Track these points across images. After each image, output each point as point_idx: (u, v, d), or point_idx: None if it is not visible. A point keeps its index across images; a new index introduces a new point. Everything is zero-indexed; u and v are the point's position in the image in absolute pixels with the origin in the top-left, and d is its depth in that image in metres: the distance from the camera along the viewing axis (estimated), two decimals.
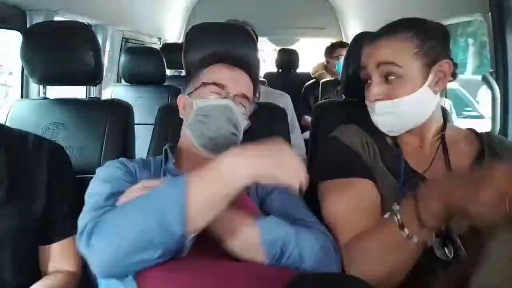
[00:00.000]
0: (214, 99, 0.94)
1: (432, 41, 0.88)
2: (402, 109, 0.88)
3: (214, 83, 0.95)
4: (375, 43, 0.91)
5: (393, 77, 0.87)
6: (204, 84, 0.95)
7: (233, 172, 0.64)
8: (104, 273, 0.71)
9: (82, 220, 0.75)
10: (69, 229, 0.92)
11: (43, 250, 0.92)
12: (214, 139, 0.92)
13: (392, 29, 0.91)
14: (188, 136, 0.96)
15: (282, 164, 0.65)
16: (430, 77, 0.87)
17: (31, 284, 0.84)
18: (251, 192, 0.91)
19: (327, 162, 0.96)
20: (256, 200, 0.90)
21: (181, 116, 1.01)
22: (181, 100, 1.02)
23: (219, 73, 0.97)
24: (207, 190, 0.64)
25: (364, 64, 0.93)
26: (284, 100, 1.99)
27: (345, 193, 0.87)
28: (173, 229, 0.63)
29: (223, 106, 0.93)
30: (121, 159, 0.93)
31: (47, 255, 0.92)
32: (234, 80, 0.96)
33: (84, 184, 0.85)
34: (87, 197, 0.82)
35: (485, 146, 0.92)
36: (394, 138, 0.94)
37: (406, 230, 0.71)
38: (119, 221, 0.68)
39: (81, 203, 0.90)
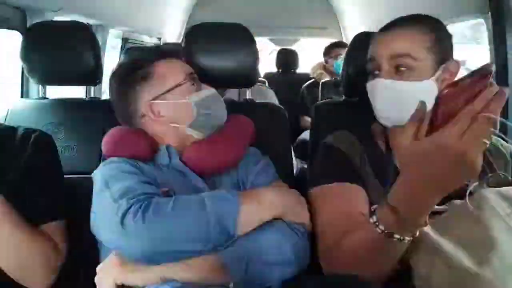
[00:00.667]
0: (206, 90, 0.99)
1: (445, 39, 0.88)
2: (404, 92, 0.85)
3: (186, 77, 0.97)
4: (390, 33, 0.88)
5: (404, 69, 0.85)
6: (180, 84, 0.96)
7: (270, 206, 0.83)
8: (146, 252, 0.76)
9: (119, 200, 0.78)
10: (39, 216, 0.87)
11: None
12: (218, 121, 1.00)
13: (409, 21, 0.89)
14: (179, 132, 0.96)
15: (300, 207, 0.87)
16: (437, 73, 0.85)
17: None
18: (231, 176, 0.97)
19: (319, 169, 0.95)
20: (235, 180, 0.97)
21: (154, 121, 0.96)
22: (148, 107, 0.96)
23: (180, 69, 0.99)
24: (251, 211, 0.81)
25: (375, 55, 0.90)
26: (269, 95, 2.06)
27: (335, 199, 0.87)
28: (230, 230, 0.78)
29: (216, 95, 1.01)
30: (122, 158, 0.91)
31: None
32: (183, 68, 1.00)
33: (83, 184, 0.85)
34: (105, 190, 0.82)
35: None
36: (387, 142, 0.93)
37: (381, 227, 0.67)
38: (178, 208, 0.77)
39: (70, 201, 0.91)
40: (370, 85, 0.91)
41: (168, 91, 0.95)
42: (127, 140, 0.95)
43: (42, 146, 0.93)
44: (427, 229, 0.71)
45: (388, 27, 0.90)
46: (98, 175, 0.88)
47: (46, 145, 0.95)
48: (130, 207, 0.76)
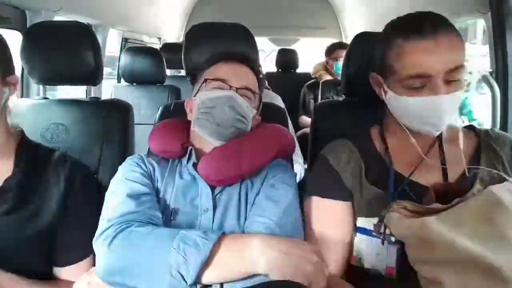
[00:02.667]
0: (216, 91, 0.95)
1: None
2: (454, 105, 0.82)
3: (216, 79, 0.96)
4: (439, 42, 0.78)
5: (455, 81, 0.80)
6: (206, 80, 0.98)
7: (256, 262, 0.73)
8: (104, 278, 0.76)
9: (103, 219, 0.81)
10: (81, 254, 0.93)
11: (58, 271, 0.92)
12: (220, 126, 0.93)
13: (447, 25, 0.81)
14: (197, 132, 0.96)
15: (303, 272, 0.72)
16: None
17: None
18: (244, 186, 0.93)
19: (312, 180, 0.99)
20: (245, 192, 0.92)
21: (189, 118, 1.02)
22: (188, 103, 1.03)
23: (220, 69, 0.99)
24: (227, 263, 0.73)
25: (428, 70, 0.79)
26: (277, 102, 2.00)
27: (321, 214, 0.92)
28: (187, 280, 0.70)
29: (224, 96, 0.93)
30: (140, 156, 0.98)
31: (61, 276, 0.92)
32: (236, 74, 0.97)
33: None
34: (108, 195, 0.88)
35: (482, 143, 0.92)
36: (386, 145, 0.92)
37: None
38: (144, 244, 0.74)
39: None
40: (420, 101, 0.81)
41: (199, 90, 0.99)
42: (162, 135, 1.01)
43: (77, 179, 0.94)
44: (438, 225, 0.72)
45: (430, 33, 0.79)
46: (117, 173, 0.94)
47: (81, 179, 0.96)
48: (106, 229, 0.78)
